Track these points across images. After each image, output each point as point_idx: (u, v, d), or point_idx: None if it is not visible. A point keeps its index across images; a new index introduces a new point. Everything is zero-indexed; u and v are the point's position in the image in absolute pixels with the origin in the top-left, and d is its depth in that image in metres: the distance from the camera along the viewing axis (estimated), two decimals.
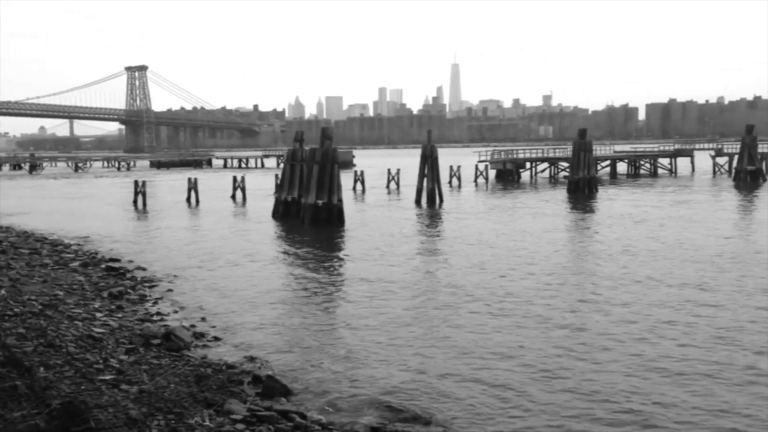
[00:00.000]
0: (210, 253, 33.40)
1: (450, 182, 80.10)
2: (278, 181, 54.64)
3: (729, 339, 17.82)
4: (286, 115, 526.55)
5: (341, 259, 32.02)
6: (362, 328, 19.54)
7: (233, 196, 64.54)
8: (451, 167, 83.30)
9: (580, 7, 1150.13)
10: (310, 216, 43.96)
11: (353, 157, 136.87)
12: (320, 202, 44.03)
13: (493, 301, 22.41)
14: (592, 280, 25.66)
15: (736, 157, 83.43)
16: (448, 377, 15.47)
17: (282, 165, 61.57)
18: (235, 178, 66.47)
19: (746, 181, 76.30)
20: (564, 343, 17.79)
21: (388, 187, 76.47)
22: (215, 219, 48.80)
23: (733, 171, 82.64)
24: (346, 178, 62.58)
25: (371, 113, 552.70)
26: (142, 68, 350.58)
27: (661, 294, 22.92)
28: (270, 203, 53.29)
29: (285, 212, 48.91)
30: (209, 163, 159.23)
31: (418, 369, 16.04)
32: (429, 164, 58.81)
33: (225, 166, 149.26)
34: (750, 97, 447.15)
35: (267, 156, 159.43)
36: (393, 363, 16.47)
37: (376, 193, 70.65)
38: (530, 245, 33.98)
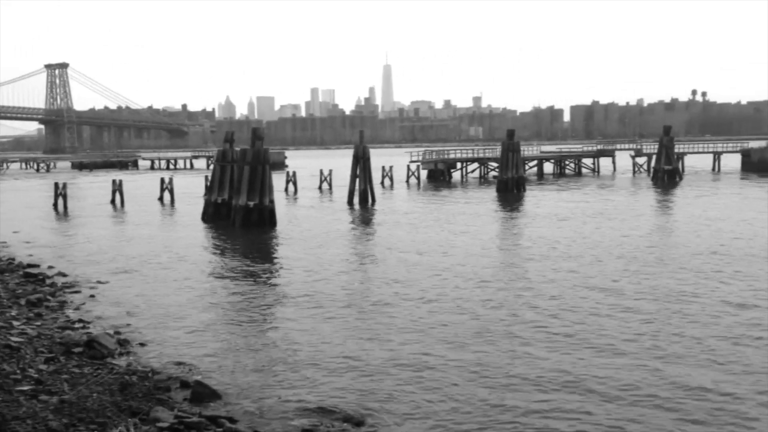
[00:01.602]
0: (136, 257, 32.43)
1: (382, 182, 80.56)
2: (208, 183, 53.61)
3: (643, 328, 18.67)
4: (216, 115, 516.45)
5: (272, 262, 31.72)
6: (293, 331, 19.43)
7: (161, 199, 62.87)
8: (383, 167, 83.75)
9: (506, 10, 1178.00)
10: (241, 218, 43.34)
11: (285, 157, 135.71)
12: (251, 203, 43.46)
13: (425, 300, 22.69)
14: (521, 277, 26.33)
15: (654, 157, 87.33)
16: (380, 377, 15.57)
17: (212, 166, 60.33)
18: (162, 180, 64.75)
19: (664, 180, 79.95)
20: (495, 340, 18.20)
21: (320, 187, 76.23)
22: (142, 222, 47.41)
23: (652, 170, 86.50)
24: (278, 179, 61.91)
25: (303, 114, 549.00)
26: (63, 66, 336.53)
27: (584, 289, 23.75)
28: (199, 205, 52.22)
29: (215, 214, 48.02)
30: (135, 164, 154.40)
31: (350, 370, 16.07)
32: (361, 165, 58.96)
33: (152, 167, 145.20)
34: (667, 100, 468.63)
35: (196, 157, 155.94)
36: (325, 365, 16.45)
37: (308, 194, 70.30)
38: (461, 244, 34.58)
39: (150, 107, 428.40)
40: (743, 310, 20.57)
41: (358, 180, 58.91)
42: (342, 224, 44.92)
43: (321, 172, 78.84)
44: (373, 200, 58.40)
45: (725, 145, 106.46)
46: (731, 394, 14.17)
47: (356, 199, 58.36)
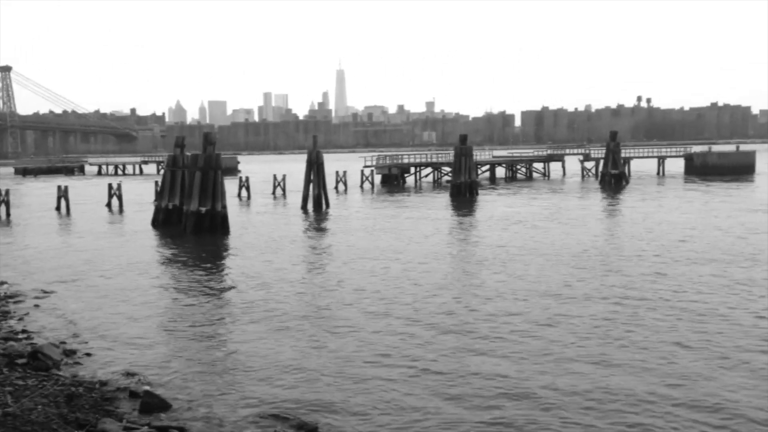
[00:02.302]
0: (83, 265, 31.58)
1: (336, 187, 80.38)
2: (158, 189, 52.60)
3: (596, 332, 19.13)
4: (167, 119, 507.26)
5: (225, 268, 31.32)
6: (246, 339, 19.23)
7: (109, 205, 61.36)
8: (337, 172, 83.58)
9: (458, 16, 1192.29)
10: (193, 224, 42.66)
11: (238, 162, 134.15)
12: (203, 209, 42.84)
13: (378, 307, 22.75)
14: (474, 282, 26.65)
15: (602, 162, 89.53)
16: (333, 384, 15.55)
17: (162, 171, 59.23)
18: (110, 186, 63.19)
19: (611, 183, 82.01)
20: (447, 347, 18.37)
21: (274, 193, 75.61)
22: (88, 229, 46.19)
23: (600, 174, 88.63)
24: (230, 185, 61.17)
25: (256, 118, 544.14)
26: (6, 69, 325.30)
27: (536, 294, 24.19)
28: (149, 211, 51.18)
29: (166, 221, 47.15)
30: (81, 169, 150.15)
31: (303, 377, 16.00)
32: (315, 170, 58.77)
33: (99, 173, 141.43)
34: (614, 106, 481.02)
35: (146, 162, 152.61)
36: (277, 372, 16.33)
37: (261, 199, 69.64)
38: (415, 249, 34.79)
39: (97, 111, 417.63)
40: (688, 313, 21.25)
41: (311, 185, 58.68)
42: (295, 230, 44.66)
43: (274, 177, 78.20)
44: (327, 205, 58.26)
45: (669, 149, 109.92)
46: (667, 396, 14.63)
47: (310, 205, 58.12)
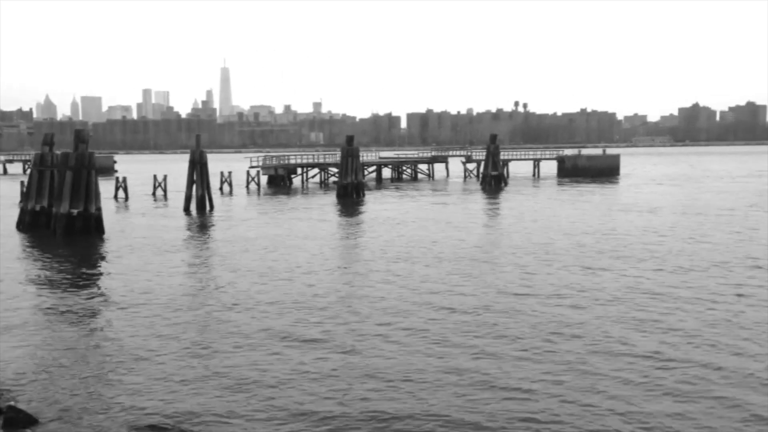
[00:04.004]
0: None
1: (221, 188, 78.45)
2: (24, 189, 49.02)
3: (482, 330, 19.90)
4: (34, 115, 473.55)
5: (99, 274, 29.71)
6: (118, 347, 18.34)
7: None
8: (222, 173, 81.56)
9: (344, 15, 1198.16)
10: (64, 227, 40.12)
11: (114, 162, 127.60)
12: (75, 211, 40.38)
13: (260, 310, 22.43)
14: (360, 282, 26.88)
15: (482, 163, 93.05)
16: (213, 391, 15.17)
17: (29, 171, 55.15)
18: None
19: (491, 184, 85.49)
20: (330, 348, 18.41)
21: (154, 194, 72.59)
22: None
23: (481, 176, 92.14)
24: (106, 186, 58.16)
25: (135, 116, 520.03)
26: None
27: (421, 292, 24.78)
28: (14, 213, 47.59)
29: (32, 223, 44.03)
30: None
31: (180, 385, 15.49)
32: (198, 170, 57.02)
33: None
34: (494, 110, 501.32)
35: (11, 161, 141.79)
36: (152, 381, 15.70)
37: (141, 201, 66.63)
38: (300, 249, 34.60)
39: None
40: (563, 308, 22.54)
41: (195, 186, 56.91)
42: (177, 232, 43.12)
43: (155, 177, 75.10)
44: (211, 207, 56.72)
45: (543, 152, 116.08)
46: (528, 390, 15.49)
47: (193, 206, 56.36)
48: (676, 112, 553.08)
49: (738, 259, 30.07)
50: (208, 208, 56.38)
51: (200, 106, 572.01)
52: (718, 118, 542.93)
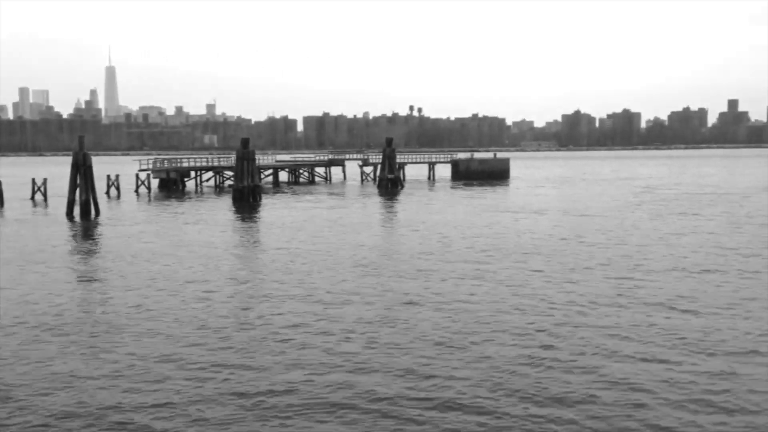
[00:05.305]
0: None
1: (108, 192, 74.89)
2: None
3: (382, 331, 20.10)
4: None
5: None
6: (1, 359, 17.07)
7: None
8: (108, 176, 77.86)
9: (237, 14, 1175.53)
10: None
11: None
12: None
13: (147, 318, 21.59)
14: (255, 287, 26.44)
15: (379, 167, 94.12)
16: (99, 398, 14.44)
17: None
18: None
19: (387, 187, 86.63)
20: (229, 354, 18.02)
21: (33, 198, 68.14)
22: None
23: (378, 179, 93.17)
24: None
25: (11, 116, 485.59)
26: None
27: (312, 301, 24.72)
28: None
29: None
30: None
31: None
32: (82, 173, 54.14)
33: None
34: (389, 114, 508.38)
35: None
36: (31, 392, 14.74)
37: (18, 205, 62.28)
38: (193, 255, 33.58)
39: None
40: (457, 310, 23.18)
41: (78, 190, 53.97)
42: (58, 239, 40.64)
43: (33, 181, 70.53)
44: (97, 212, 53.98)
45: (438, 156, 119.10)
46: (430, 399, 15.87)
47: (77, 211, 53.45)
48: (560, 119, 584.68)
49: (615, 257, 32.13)
50: (93, 213, 53.66)
51: (83, 106, 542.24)
52: (597, 124, 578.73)
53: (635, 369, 16.19)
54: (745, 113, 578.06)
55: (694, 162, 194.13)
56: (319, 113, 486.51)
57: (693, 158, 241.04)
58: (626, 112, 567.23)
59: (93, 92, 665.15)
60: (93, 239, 41.09)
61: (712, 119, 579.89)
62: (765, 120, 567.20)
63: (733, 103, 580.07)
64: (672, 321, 20.47)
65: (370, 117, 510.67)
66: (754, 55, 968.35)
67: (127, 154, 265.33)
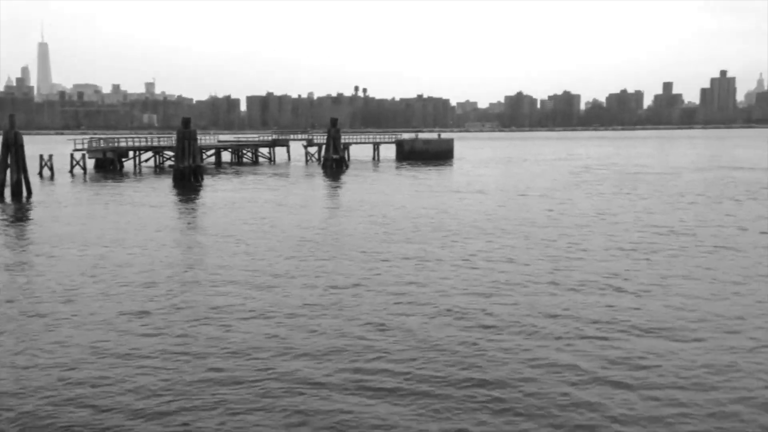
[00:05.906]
0: None
1: (41, 173, 72.13)
2: None
3: (325, 322, 20.03)
4: None
5: None
6: None
7: None
8: (41, 156, 74.95)
9: None
10: None
11: None
12: None
13: (85, 305, 20.96)
14: (196, 269, 25.95)
15: (324, 147, 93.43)
16: (46, 399, 13.97)
17: None
18: None
19: (332, 168, 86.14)
20: (167, 332, 17.67)
21: None
22: None
23: (322, 159, 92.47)
24: None
25: None
26: None
27: (259, 277, 24.45)
28: None
29: None
30: None
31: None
32: (13, 152, 52.04)
33: None
34: (334, 94, 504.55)
35: None
36: None
37: None
38: (132, 237, 32.69)
39: None
40: (410, 287, 23.28)
41: (9, 170, 51.86)
42: None
43: None
44: (29, 193, 51.99)
45: (383, 136, 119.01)
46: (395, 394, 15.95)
47: (8, 193, 51.47)
48: (503, 100, 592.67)
49: (553, 236, 32.90)
50: (25, 194, 51.66)
51: (14, 83, 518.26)
52: (539, 105, 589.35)
53: (571, 348, 16.64)
54: (679, 95, 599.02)
55: (630, 142, 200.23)
56: (263, 93, 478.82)
57: (629, 139, 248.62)
58: (566, 93, 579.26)
59: (24, 69, 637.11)
60: (24, 221, 39.49)
61: (648, 101, 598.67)
62: (698, 102, 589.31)
63: (668, 86, 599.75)
64: (606, 299, 21.11)
65: (315, 97, 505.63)
66: (697, 39, 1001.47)
67: (62, 134, 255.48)
